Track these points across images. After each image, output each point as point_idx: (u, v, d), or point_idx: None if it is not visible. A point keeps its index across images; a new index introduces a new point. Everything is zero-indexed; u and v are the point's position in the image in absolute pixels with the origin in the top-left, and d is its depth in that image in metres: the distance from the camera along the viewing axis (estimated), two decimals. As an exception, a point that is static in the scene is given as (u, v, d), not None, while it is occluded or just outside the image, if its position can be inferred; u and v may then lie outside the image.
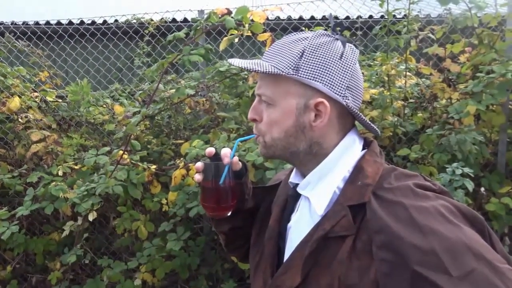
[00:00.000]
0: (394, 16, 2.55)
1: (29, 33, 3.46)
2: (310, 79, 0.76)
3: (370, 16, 4.13)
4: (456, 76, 2.61)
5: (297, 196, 0.85)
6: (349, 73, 0.78)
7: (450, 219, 0.66)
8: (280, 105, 0.79)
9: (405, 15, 2.53)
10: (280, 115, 0.79)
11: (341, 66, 0.77)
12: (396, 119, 2.48)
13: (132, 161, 2.49)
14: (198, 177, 0.90)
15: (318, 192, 0.79)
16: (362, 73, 0.82)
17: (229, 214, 0.92)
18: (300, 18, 4.35)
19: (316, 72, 0.76)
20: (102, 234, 2.93)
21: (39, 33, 3.45)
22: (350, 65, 0.78)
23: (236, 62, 0.81)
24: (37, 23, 4.31)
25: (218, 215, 0.93)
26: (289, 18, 4.17)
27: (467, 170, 2.02)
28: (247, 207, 0.98)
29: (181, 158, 2.50)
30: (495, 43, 2.37)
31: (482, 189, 2.36)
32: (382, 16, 4.18)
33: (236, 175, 0.92)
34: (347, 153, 0.80)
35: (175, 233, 2.51)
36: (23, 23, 4.01)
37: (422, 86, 2.65)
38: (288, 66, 0.77)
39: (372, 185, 0.74)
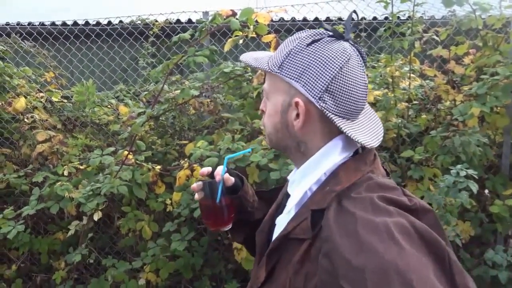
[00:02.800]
0: (398, 18, 2.55)
1: (35, 33, 3.48)
2: (290, 78, 0.77)
3: (374, 18, 4.12)
4: (460, 78, 2.61)
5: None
6: (330, 76, 0.74)
7: (397, 239, 0.60)
8: (272, 100, 0.83)
9: (409, 16, 2.54)
10: (271, 110, 0.83)
11: (322, 68, 0.75)
12: (400, 120, 2.48)
13: (137, 161, 2.51)
14: (197, 196, 1.00)
15: (296, 192, 0.81)
16: (366, 74, 0.81)
17: (230, 227, 0.99)
18: (304, 19, 4.35)
19: (295, 72, 0.77)
20: (106, 234, 2.94)
21: (44, 33, 3.47)
22: (333, 67, 0.74)
23: (243, 56, 0.87)
24: (42, 24, 4.33)
25: (219, 230, 1.00)
26: (293, 19, 4.17)
27: (471, 172, 2.01)
28: (256, 218, 1.00)
29: (186, 159, 2.51)
30: (500, 45, 2.37)
31: (486, 191, 2.36)
32: (386, 18, 4.16)
33: (231, 190, 0.97)
34: (327, 157, 0.78)
35: (179, 234, 2.52)
36: (29, 24, 4.02)
37: (426, 87, 2.65)
38: (276, 64, 0.79)
39: (337, 192, 0.72)
